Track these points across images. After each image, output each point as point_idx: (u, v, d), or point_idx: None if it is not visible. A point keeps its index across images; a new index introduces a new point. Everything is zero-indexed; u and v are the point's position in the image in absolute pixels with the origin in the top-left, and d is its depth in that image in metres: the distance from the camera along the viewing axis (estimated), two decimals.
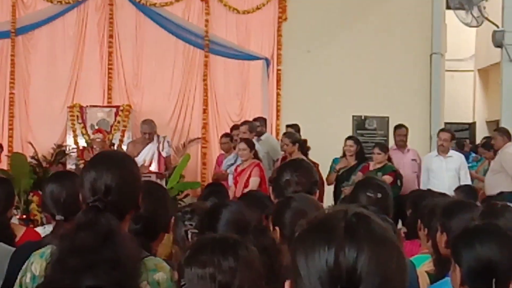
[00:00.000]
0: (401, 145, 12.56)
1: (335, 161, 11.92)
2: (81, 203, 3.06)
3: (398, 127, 12.72)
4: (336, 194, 11.61)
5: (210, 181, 12.87)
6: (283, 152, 11.86)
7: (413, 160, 12.45)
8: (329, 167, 11.92)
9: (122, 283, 2.81)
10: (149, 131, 12.42)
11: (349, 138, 12.04)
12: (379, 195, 4.37)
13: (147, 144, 12.48)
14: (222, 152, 13.08)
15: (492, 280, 2.99)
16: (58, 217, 4.09)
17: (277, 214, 3.83)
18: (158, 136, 12.68)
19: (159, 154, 12.56)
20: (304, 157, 11.29)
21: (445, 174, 11.54)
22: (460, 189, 9.80)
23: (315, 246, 1.71)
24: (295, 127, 12.79)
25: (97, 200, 2.96)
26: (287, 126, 13.48)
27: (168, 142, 12.96)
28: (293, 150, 11.35)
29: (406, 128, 12.62)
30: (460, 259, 3.19)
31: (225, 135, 13.04)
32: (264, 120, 13.16)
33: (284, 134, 11.91)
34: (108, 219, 2.90)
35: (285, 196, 4.24)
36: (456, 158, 11.79)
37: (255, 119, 13.00)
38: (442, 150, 11.64)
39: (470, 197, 8.53)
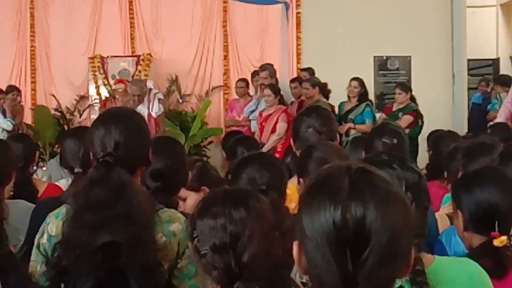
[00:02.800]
0: None
1: (340, 105, 11.86)
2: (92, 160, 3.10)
3: None
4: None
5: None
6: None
7: None
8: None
9: (138, 237, 2.86)
10: (138, 93, 11.26)
11: (354, 79, 11.77)
12: (395, 141, 4.34)
13: (137, 106, 11.03)
14: (236, 97, 13.07)
15: (494, 223, 3.00)
16: (76, 170, 4.16)
17: (301, 166, 3.83)
18: (149, 93, 11.63)
19: (149, 115, 11.22)
20: (324, 99, 11.34)
21: None
22: (494, 127, 9.75)
23: (320, 207, 1.68)
24: (310, 71, 12.74)
25: (107, 155, 2.97)
26: (301, 70, 13.42)
27: (159, 99, 11.72)
28: (313, 94, 11.34)
29: None
30: (461, 205, 3.21)
31: (241, 79, 13.03)
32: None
33: (299, 79, 11.82)
34: (119, 173, 2.94)
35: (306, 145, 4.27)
36: None
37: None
38: None
39: (504, 135, 8.49)
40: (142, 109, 11.22)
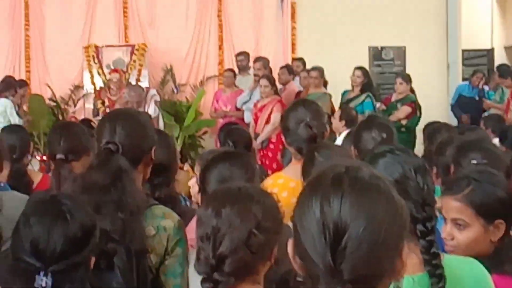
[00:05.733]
0: None
1: (344, 93, 11.83)
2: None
3: None
4: None
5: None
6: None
7: None
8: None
9: (126, 224, 2.94)
10: (136, 100, 11.07)
11: (358, 68, 11.64)
12: (384, 135, 4.33)
13: None
14: (221, 88, 13.17)
15: None
16: (58, 156, 4.40)
17: (303, 171, 3.88)
18: (146, 94, 11.69)
19: None
20: (326, 91, 11.37)
21: None
22: (488, 118, 9.76)
23: (307, 202, 1.74)
24: (301, 61, 12.75)
25: (109, 143, 3.09)
26: (294, 60, 13.39)
27: (155, 101, 11.73)
28: (319, 84, 11.37)
29: None
30: None
31: (229, 69, 13.07)
32: (248, 54, 13.09)
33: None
34: (118, 159, 3.05)
35: (302, 147, 4.33)
36: None
37: (237, 54, 13.03)
38: None
39: (497, 126, 8.52)
40: None
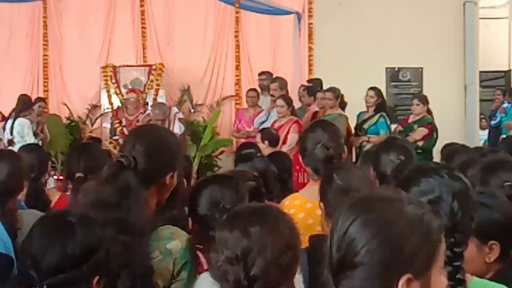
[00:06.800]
0: None
1: (359, 114, 11.79)
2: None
3: None
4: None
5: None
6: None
7: None
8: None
9: (128, 246, 2.84)
10: (161, 118, 11.42)
11: (371, 88, 11.62)
12: (402, 158, 4.31)
13: None
14: (244, 107, 13.15)
15: None
16: (78, 174, 4.62)
17: (321, 191, 3.87)
18: (169, 113, 11.87)
19: None
20: (342, 112, 11.33)
21: None
22: (505, 140, 9.72)
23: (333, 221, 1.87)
24: (317, 81, 12.71)
25: (122, 157, 3.01)
26: (308, 81, 13.34)
27: (179, 119, 11.89)
28: (334, 105, 11.34)
29: None
30: None
31: (252, 89, 12.99)
32: (271, 74, 13.10)
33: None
34: (127, 176, 2.95)
35: (319, 167, 4.35)
36: None
37: (260, 74, 13.03)
38: None
39: None
40: None
